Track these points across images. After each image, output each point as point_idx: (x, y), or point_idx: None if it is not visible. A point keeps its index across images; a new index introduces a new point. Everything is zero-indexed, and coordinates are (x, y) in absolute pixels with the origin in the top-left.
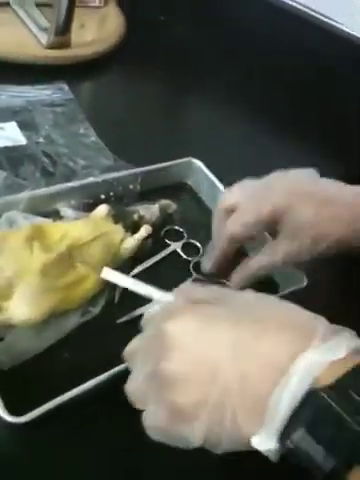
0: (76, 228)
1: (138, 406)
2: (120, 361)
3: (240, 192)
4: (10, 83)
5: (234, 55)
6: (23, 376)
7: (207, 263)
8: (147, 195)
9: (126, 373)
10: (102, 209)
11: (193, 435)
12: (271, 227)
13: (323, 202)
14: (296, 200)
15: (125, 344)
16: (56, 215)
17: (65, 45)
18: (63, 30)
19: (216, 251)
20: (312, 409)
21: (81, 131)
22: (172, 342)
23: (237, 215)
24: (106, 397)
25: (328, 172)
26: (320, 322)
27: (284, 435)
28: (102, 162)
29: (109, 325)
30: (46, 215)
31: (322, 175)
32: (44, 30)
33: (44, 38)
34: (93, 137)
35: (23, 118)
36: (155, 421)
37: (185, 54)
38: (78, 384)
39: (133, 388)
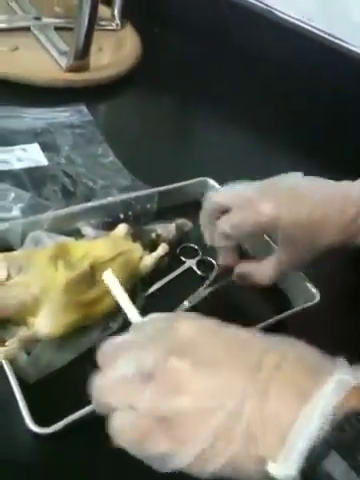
0: (97, 247)
1: (99, 408)
2: None
3: (231, 194)
4: (32, 106)
5: (252, 77)
6: (48, 388)
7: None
8: (164, 214)
9: None
10: (121, 228)
11: (183, 454)
12: (265, 232)
13: (315, 206)
14: (286, 206)
15: None
16: (77, 234)
17: (84, 68)
18: (82, 54)
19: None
20: (348, 433)
21: (99, 152)
22: (185, 342)
23: (228, 217)
24: None
25: None
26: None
27: (311, 460)
28: (120, 182)
29: None
30: (68, 234)
31: None
32: (63, 54)
33: (63, 62)
34: (111, 157)
35: (45, 140)
36: (131, 430)
37: (200, 76)
38: None
39: (104, 385)
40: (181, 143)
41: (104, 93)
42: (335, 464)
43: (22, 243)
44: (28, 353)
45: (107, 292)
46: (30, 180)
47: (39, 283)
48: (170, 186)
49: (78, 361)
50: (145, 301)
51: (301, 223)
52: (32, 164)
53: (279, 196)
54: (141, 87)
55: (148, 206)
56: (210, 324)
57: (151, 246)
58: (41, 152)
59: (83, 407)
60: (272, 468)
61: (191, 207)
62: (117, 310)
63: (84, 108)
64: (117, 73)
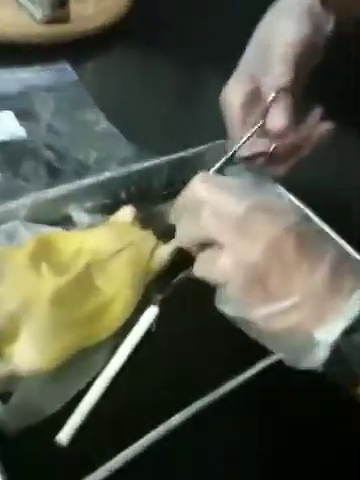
0: (95, 238)
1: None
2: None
3: None
4: (1, 66)
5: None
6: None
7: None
8: (176, 190)
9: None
10: (126, 212)
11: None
12: None
13: None
14: None
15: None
16: (67, 222)
17: (63, 19)
18: (60, 1)
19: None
20: None
21: (89, 118)
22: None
23: None
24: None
25: None
26: None
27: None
28: (118, 153)
29: (148, 360)
30: (55, 223)
31: None
32: (38, 3)
33: (38, 12)
34: (104, 124)
35: (20, 106)
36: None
37: (201, 25)
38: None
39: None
40: (186, 104)
41: (90, 49)
42: None
43: None
44: (5, 397)
45: (112, 299)
46: (3, 157)
47: (16, 296)
48: (182, 154)
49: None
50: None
51: None
52: (5, 137)
53: None
54: (133, 40)
55: (156, 181)
56: None
57: (166, 233)
58: (16, 121)
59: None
60: (319, 332)
61: None
62: (128, 321)
63: (67, 66)
64: (103, 24)
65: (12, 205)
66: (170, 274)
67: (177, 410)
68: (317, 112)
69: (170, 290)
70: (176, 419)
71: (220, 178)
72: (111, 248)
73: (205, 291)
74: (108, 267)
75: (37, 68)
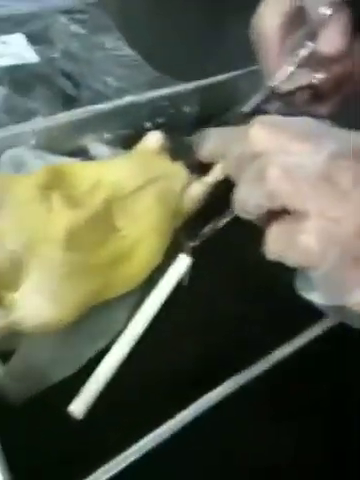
0: (116, 170)
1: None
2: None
3: None
4: None
5: None
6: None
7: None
8: (209, 119)
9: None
10: (153, 139)
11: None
12: None
13: None
14: None
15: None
16: (83, 154)
17: None
18: None
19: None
20: None
21: (110, 43)
22: None
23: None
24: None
25: None
26: None
27: None
28: (141, 81)
29: (178, 321)
30: (69, 154)
31: None
32: None
33: None
34: (126, 49)
35: (32, 29)
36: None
37: None
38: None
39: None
40: (214, 31)
41: None
42: None
43: None
44: (7, 356)
45: (136, 242)
46: (12, 82)
47: (22, 233)
48: (216, 78)
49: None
50: (195, 254)
51: None
52: (15, 61)
53: None
54: None
55: (186, 109)
56: None
57: (199, 167)
58: (28, 45)
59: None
60: None
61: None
62: (155, 271)
63: None
64: None
65: (19, 129)
66: (205, 216)
67: (208, 387)
68: None
69: (205, 236)
70: (206, 401)
71: (282, 120)
72: (135, 182)
73: (248, 238)
74: (131, 205)
75: None
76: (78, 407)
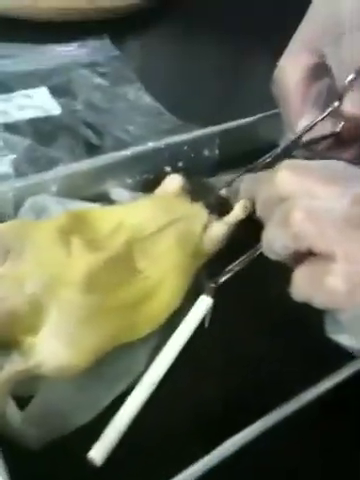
0: (136, 212)
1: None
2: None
3: None
4: (38, 43)
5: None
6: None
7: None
8: (228, 162)
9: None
10: (173, 182)
11: None
12: None
13: None
14: None
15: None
16: (105, 199)
17: None
18: None
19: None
20: None
21: (131, 93)
22: None
23: None
24: None
25: None
26: None
27: None
28: (163, 129)
29: (199, 363)
30: (91, 200)
31: None
32: None
33: None
34: (148, 99)
35: (55, 83)
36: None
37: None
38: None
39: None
40: (231, 79)
41: (131, 24)
42: None
43: (17, 214)
44: (21, 403)
45: (157, 284)
46: (35, 134)
47: (40, 276)
48: (235, 123)
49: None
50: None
51: None
52: (39, 113)
53: None
54: (176, 14)
55: (206, 153)
56: None
57: (220, 208)
58: (51, 98)
59: None
60: None
61: (265, 151)
62: (177, 312)
63: (108, 41)
64: None
65: (41, 177)
66: (226, 257)
67: (238, 428)
68: None
69: (227, 276)
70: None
71: (309, 164)
72: (155, 224)
73: (270, 277)
74: (152, 246)
75: (75, 44)
76: (98, 453)
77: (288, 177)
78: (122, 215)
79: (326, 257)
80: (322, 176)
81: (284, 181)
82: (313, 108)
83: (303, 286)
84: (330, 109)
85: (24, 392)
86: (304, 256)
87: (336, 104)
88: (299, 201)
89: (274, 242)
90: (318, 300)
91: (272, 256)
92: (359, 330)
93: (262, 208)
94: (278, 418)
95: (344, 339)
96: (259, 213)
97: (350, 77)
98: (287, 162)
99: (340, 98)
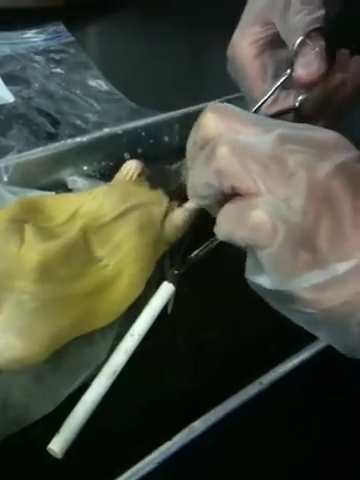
0: (94, 200)
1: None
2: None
3: None
4: None
5: None
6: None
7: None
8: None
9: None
10: (132, 167)
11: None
12: None
13: None
14: None
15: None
16: (61, 188)
17: None
18: None
19: None
20: None
21: (88, 80)
22: None
23: None
24: None
25: None
26: None
27: None
28: (121, 115)
29: (162, 351)
30: (46, 188)
31: None
32: None
33: None
34: (105, 86)
35: (9, 70)
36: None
37: None
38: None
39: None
40: (191, 65)
41: (87, 10)
42: None
43: None
44: None
45: (116, 273)
46: None
47: None
48: (195, 107)
49: (76, 398)
50: (180, 282)
51: None
52: None
53: None
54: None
55: (166, 138)
56: None
57: (181, 194)
58: (3, 85)
59: None
60: None
61: None
62: (137, 302)
63: (62, 28)
64: None
65: None
66: (188, 244)
67: (198, 416)
68: (346, 54)
69: (188, 264)
70: (197, 427)
71: (237, 108)
72: (114, 211)
73: (232, 264)
74: (111, 234)
75: (30, 31)
76: (58, 445)
77: (213, 119)
78: (78, 203)
79: (250, 195)
80: (247, 117)
81: (208, 123)
82: (273, 84)
83: (226, 222)
84: (283, 78)
85: None
86: (228, 199)
87: (288, 72)
88: (224, 137)
89: (198, 182)
90: (241, 237)
91: (199, 201)
92: (278, 270)
93: (190, 155)
94: (239, 402)
95: (262, 280)
96: (188, 162)
97: (298, 41)
98: (211, 104)
99: (291, 65)
